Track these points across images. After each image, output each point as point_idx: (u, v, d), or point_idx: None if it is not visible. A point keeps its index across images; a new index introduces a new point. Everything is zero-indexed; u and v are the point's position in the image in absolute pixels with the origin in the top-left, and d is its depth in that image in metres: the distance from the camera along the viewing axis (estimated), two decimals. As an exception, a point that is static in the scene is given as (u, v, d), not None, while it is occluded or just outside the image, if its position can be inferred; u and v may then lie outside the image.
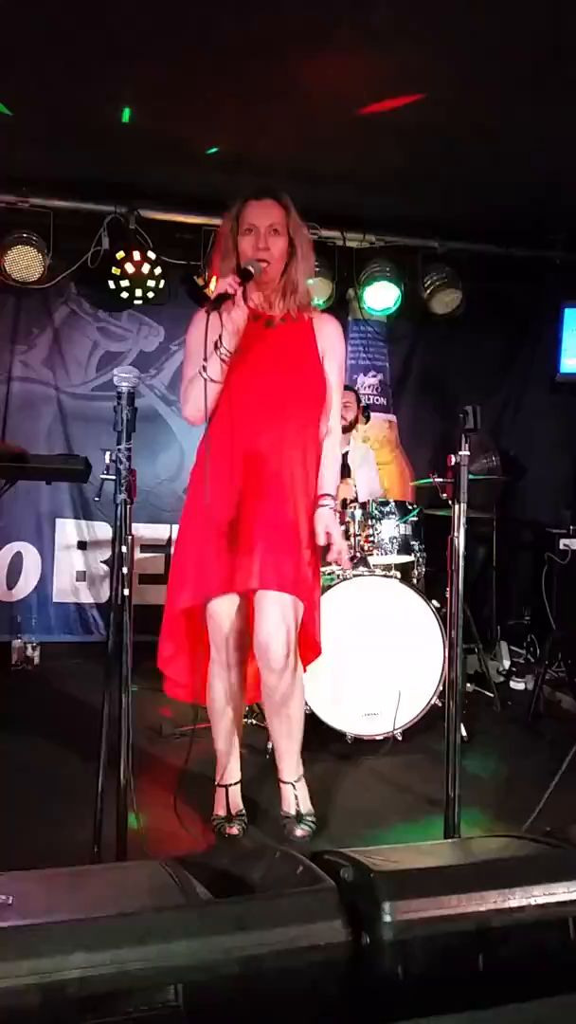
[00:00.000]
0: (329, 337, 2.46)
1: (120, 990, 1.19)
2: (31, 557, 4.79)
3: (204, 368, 2.19)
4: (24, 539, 4.77)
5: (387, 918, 1.30)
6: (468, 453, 1.99)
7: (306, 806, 2.48)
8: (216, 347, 2.20)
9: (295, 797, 2.46)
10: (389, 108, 3.52)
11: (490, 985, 1.35)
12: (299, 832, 2.40)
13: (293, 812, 2.45)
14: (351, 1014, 1.30)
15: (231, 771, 2.50)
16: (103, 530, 4.81)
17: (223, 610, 2.36)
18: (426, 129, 3.70)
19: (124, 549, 1.73)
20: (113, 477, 1.74)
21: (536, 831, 1.76)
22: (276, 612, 2.30)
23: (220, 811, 2.47)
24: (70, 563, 4.84)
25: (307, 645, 2.51)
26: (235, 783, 2.51)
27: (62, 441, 4.77)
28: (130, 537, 1.75)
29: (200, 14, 2.91)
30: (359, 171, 4.18)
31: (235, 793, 2.49)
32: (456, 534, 2.01)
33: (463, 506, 1.99)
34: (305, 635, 2.45)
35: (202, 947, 1.23)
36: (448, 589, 2.10)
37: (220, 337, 2.21)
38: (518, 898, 1.35)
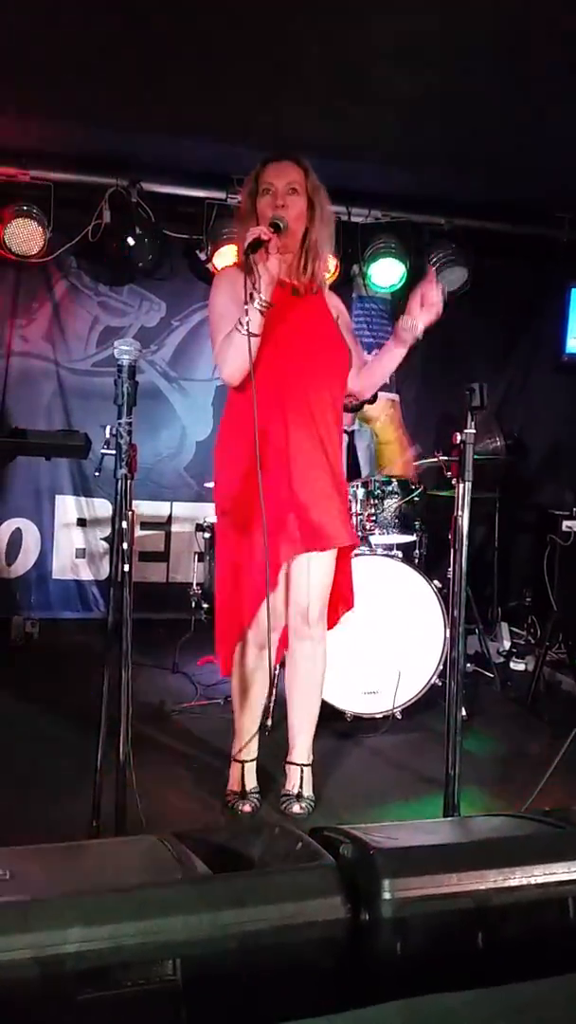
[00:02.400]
0: (340, 307, 2.50)
1: (117, 964, 1.19)
2: (31, 534, 4.77)
3: (245, 315, 2.08)
4: (23, 515, 4.75)
5: (386, 895, 1.30)
6: (474, 431, 1.96)
7: (308, 790, 2.48)
8: (252, 299, 2.12)
9: (300, 779, 2.46)
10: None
11: (489, 963, 1.35)
12: (296, 808, 2.41)
13: (295, 792, 2.45)
14: (350, 990, 1.30)
15: (250, 747, 2.48)
16: (103, 507, 4.79)
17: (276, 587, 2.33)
18: (433, 103, 3.64)
19: (124, 525, 1.71)
20: (113, 452, 1.71)
21: (537, 811, 1.75)
22: (318, 574, 2.35)
23: (235, 787, 2.45)
24: (70, 540, 4.83)
25: (340, 598, 2.52)
26: (252, 759, 2.49)
27: (62, 416, 4.74)
28: (130, 513, 1.73)
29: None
30: (365, 145, 4.12)
31: (251, 770, 2.47)
32: (460, 513, 1.99)
33: (468, 485, 1.97)
34: (339, 588, 2.48)
35: (200, 922, 1.22)
36: (451, 568, 2.08)
37: (255, 290, 2.13)
38: (518, 877, 1.34)
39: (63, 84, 3.60)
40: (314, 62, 3.38)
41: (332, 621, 2.58)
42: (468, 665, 4.13)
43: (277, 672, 3.13)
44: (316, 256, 2.35)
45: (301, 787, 2.46)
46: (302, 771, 2.48)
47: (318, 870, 1.31)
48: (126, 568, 1.70)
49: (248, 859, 1.48)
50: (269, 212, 2.25)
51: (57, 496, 4.81)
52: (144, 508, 4.83)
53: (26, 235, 4.31)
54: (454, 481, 2.04)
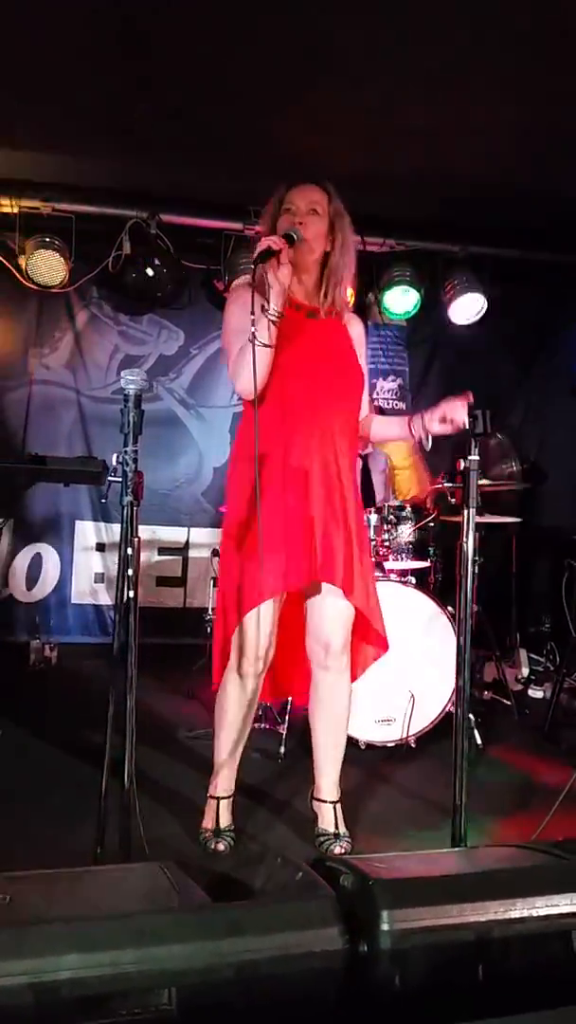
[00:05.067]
0: (360, 335, 2.47)
1: (113, 992, 1.19)
2: (51, 559, 4.82)
3: (254, 325, 2.07)
4: (44, 540, 4.81)
5: (385, 926, 1.29)
6: (478, 458, 1.97)
7: (343, 827, 2.41)
8: (263, 310, 2.11)
9: (335, 817, 2.40)
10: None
11: (490, 997, 1.33)
12: (338, 849, 2.33)
13: (332, 831, 2.38)
14: (348, 1022, 1.29)
15: (227, 783, 2.42)
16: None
17: (263, 615, 2.25)
18: (447, 132, 3.69)
19: (130, 551, 1.73)
20: (120, 479, 1.74)
21: (546, 842, 1.73)
22: (339, 606, 2.30)
23: (209, 824, 2.37)
24: (88, 565, 4.87)
25: (372, 639, 2.49)
26: (228, 796, 2.42)
27: (82, 443, 4.81)
28: (136, 539, 1.75)
29: (221, 18, 2.92)
30: (379, 174, 4.17)
31: (227, 807, 2.40)
32: (465, 539, 1.99)
33: (472, 511, 1.97)
34: (367, 629, 2.43)
35: (196, 951, 1.22)
36: (457, 595, 2.08)
37: (266, 301, 2.13)
38: (519, 909, 1.33)
39: (85, 119, 3.69)
40: (331, 93, 3.44)
41: (360, 665, 2.53)
42: (485, 692, 4.09)
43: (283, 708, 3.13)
44: (337, 282, 2.32)
45: (337, 826, 2.39)
46: (335, 808, 2.42)
47: (316, 900, 1.31)
48: (131, 594, 1.72)
49: (248, 888, 1.48)
50: (285, 228, 2.23)
51: (77, 521, 4.86)
52: (162, 534, 4.88)
53: (48, 266, 4.40)
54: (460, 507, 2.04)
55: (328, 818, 2.40)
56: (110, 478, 1.75)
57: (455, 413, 2.28)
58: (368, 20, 2.91)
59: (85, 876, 1.48)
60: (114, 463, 1.75)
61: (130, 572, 1.72)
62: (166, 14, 2.90)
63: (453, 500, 1.96)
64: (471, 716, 3.45)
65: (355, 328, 2.44)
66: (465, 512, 1.96)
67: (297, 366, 2.24)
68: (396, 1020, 1.29)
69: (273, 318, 2.12)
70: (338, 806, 2.43)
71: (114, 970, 1.18)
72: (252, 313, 2.07)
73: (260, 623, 2.26)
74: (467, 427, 1.97)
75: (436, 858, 1.61)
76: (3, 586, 4.70)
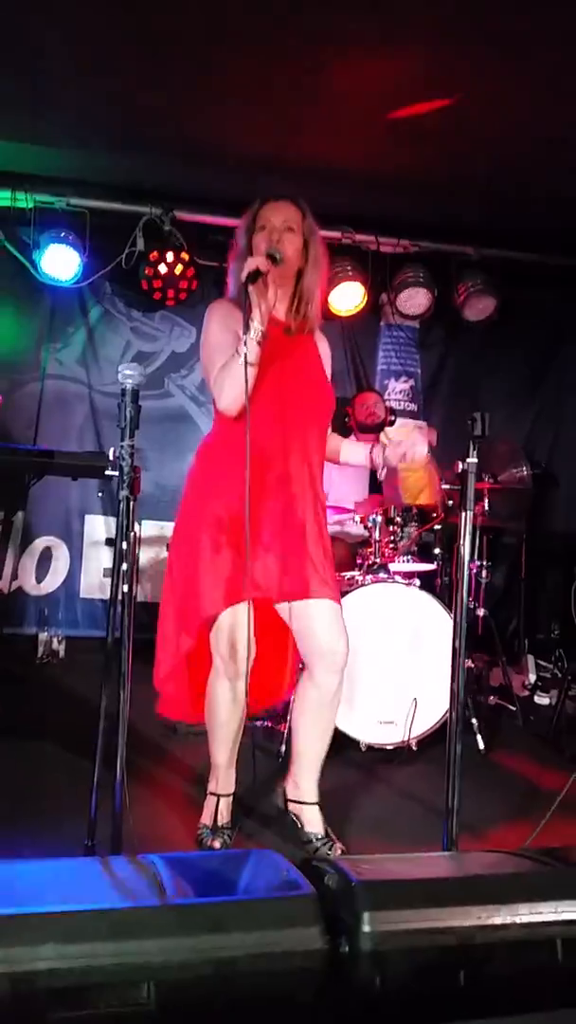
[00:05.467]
0: (327, 351, 2.51)
1: (90, 984, 1.19)
2: (60, 552, 4.84)
3: (243, 345, 2.12)
4: (54, 534, 4.83)
5: (366, 928, 1.29)
6: (476, 460, 1.96)
7: (326, 827, 2.40)
8: (248, 329, 2.14)
9: (321, 819, 2.38)
10: (420, 112, 3.50)
11: (472, 1002, 1.32)
12: (339, 851, 2.32)
13: (322, 832, 2.36)
14: (325, 1021, 1.28)
15: (227, 781, 2.42)
16: (130, 528, 4.84)
17: (237, 619, 2.28)
18: (462, 133, 3.67)
19: (125, 545, 1.73)
20: (116, 473, 1.74)
21: (536, 849, 1.72)
22: (333, 613, 2.31)
23: (207, 820, 2.38)
24: (98, 559, 4.88)
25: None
26: (228, 794, 2.42)
27: (93, 438, 4.83)
28: (132, 534, 1.76)
29: (234, 19, 2.93)
30: (394, 175, 4.16)
31: (226, 804, 2.40)
32: (462, 542, 1.98)
33: (470, 514, 1.96)
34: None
35: (174, 946, 1.22)
36: (453, 598, 2.06)
37: (250, 320, 2.14)
38: (502, 915, 1.32)
39: (99, 114, 3.71)
40: (344, 93, 3.43)
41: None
42: (491, 697, 4.07)
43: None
44: (309, 300, 2.36)
45: (325, 828, 2.38)
46: (319, 810, 2.40)
47: (297, 899, 1.31)
48: (125, 588, 1.72)
49: (234, 885, 1.47)
50: (264, 247, 2.27)
51: (87, 516, 4.88)
52: (170, 529, 4.87)
53: (62, 261, 4.42)
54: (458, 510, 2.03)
55: (317, 821, 2.38)
56: (106, 472, 1.75)
57: (415, 451, 2.34)
58: (380, 18, 2.90)
59: (72, 868, 1.49)
60: (111, 457, 1.75)
61: (125, 567, 1.72)
62: (180, 11, 2.91)
63: (451, 503, 1.95)
64: (474, 721, 3.44)
65: (323, 345, 2.50)
66: (462, 515, 1.95)
67: (273, 381, 2.28)
68: (376, 1022, 1.28)
69: (258, 338, 2.15)
70: (317, 807, 2.40)
71: (90, 962, 1.18)
72: (245, 332, 2.12)
73: (243, 626, 2.28)
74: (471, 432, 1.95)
75: (423, 861, 1.61)
76: (12, 579, 4.73)
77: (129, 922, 1.24)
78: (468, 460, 1.95)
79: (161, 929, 1.24)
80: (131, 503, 1.74)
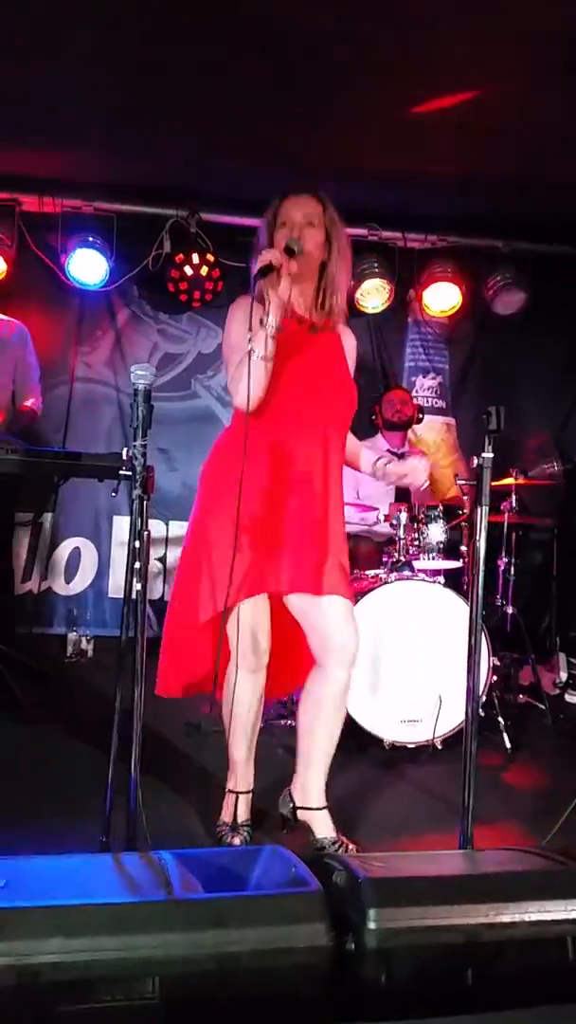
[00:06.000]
0: (353, 347, 2.49)
1: (95, 978, 1.21)
2: (89, 553, 4.90)
3: (256, 338, 2.11)
4: (82, 535, 4.89)
5: (372, 925, 1.28)
6: (491, 455, 1.94)
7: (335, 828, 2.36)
8: (261, 323, 2.13)
9: (330, 821, 2.33)
10: (446, 106, 3.47)
11: (479, 999, 1.31)
12: (353, 851, 2.28)
13: (333, 835, 2.31)
14: (332, 1019, 1.28)
15: (246, 778, 2.41)
16: (158, 528, 4.88)
17: (258, 611, 2.29)
18: (489, 126, 3.64)
19: (138, 544, 1.75)
20: (129, 474, 1.76)
21: (550, 848, 1.69)
22: (346, 610, 2.30)
23: (227, 817, 2.37)
24: (125, 560, 4.92)
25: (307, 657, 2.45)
26: (247, 791, 2.41)
27: (121, 440, 4.87)
28: (146, 533, 1.77)
29: (250, 16, 2.93)
30: (420, 170, 4.13)
31: (245, 801, 2.39)
32: (478, 539, 1.96)
33: (485, 509, 1.94)
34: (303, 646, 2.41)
35: (179, 941, 1.23)
36: (470, 594, 2.04)
37: (264, 314, 2.14)
38: (511, 913, 1.31)
39: (125, 119, 3.74)
40: (368, 90, 3.42)
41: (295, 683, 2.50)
42: (520, 696, 4.02)
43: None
44: (334, 291, 2.35)
45: (337, 830, 2.33)
46: (327, 813, 2.35)
47: (302, 896, 1.31)
48: (138, 587, 1.73)
49: (242, 882, 1.48)
50: (283, 244, 2.26)
51: (115, 516, 4.93)
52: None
53: (90, 265, 4.48)
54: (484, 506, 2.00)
55: (327, 824, 2.32)
56: (120, 472, 1.77)
57: (415, 478, 2.53)
58: (398, 16, 2.89)
59: (83, 863, 1.50)
60: (124, 457, 1.77)
61: (137, 565, 1.73)
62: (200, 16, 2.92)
63: (466, 498, 1.93)
64: (500, 720, 3.40)
65: (348, 341, 2.48)
66: (478, 511, 1.93)
67: (298, 379, 2.27)
68: (382, 1020, 1.27)
69: (271, 332, 2.14)
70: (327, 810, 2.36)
71: (96, 956, 1.19)
72: (250, 329, 2.11)
73: (261, 616, 2.30)
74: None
75: (434, 859, 1.59)
76: (42, 579, 4.80)
77: (134, 917, 1.25)
78: (483, 455, 1.93)
79: (166, 924, 1.25)
80: (144, 502, 1.75)
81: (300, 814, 2.36)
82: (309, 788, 2.35)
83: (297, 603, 2.32)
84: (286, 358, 2.22)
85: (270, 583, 2.28)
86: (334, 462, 2.38)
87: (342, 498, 2.42)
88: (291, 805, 2.38)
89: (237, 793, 2.38)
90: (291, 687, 2.64)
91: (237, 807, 2.36)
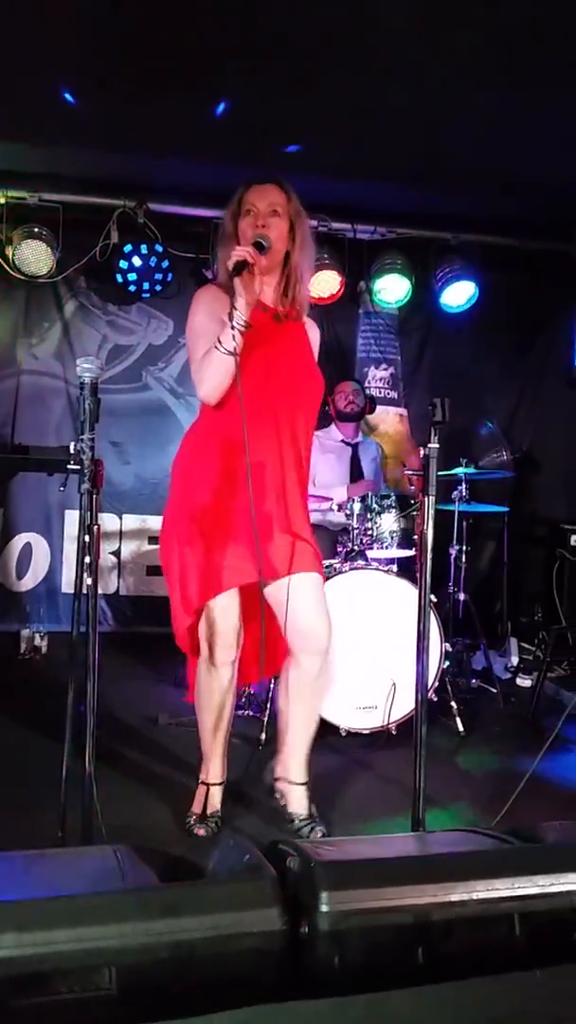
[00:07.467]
0: (317, 339, 2.51)
1: (52, 971, 1.21)
2: (40, 548, 4.85)
3: (232, 328, 2.13)
4: (34, 530, 4.83)
5: (324, 908, 1.30)
6: (437, 446, 1.97)
7: (314, 808, 2.43)
8: (230, 318, 2.14)
9: (307, 799, 2.41)
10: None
11: (429, 979, 1.34)
12: (318, 834, 2.35)
13: (306, 814, 2.39)
14: (285, 999, 1.30)
15: (217, 770, 2.44)
16: (111, 521, 4.85)
17: (225, 606, 2.31)
18: (437, 119, 3.67)
19: (88, 539, 1.74)
20: (77, 468, 1.75)
21: (500, 828, 1.74)
22: (314, 594, 2.34)
23: (196, 808, 2.41)
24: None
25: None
26: (219, 783, 2.44)
27: (71, 433, 4.80)
28: (96, 527, 1.76)
29: (195, 6, 2.91)
30: (369, 163, 4.15)
31: (216, 793, 2.43)
32: (425, 527, 1.99)
33: (431, 499, 1.97)
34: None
35: (133, 931, 1.23)
36: (418, 581, 2.08)
37: (233, 309, 2.15)
38: (459, 892, 1.34)
39: (70, 108, 3.68)
40: (319, 83, 3.42)
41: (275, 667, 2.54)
42: (472, 681, 4.10)
43: (271, 687, 3.14)
44: (297, 280, 2.37)
45: (310, 809, 2.41)
46: (306, 790, 2.43)
47: (256, 881, 1.32)
48: (89, 581, 1.73)
49: (200, 871, 1.49)
50: (250, 232, 2.27)
51: (66, 511, 4.87)
52: (152, 523, 4.88)
53: (35, 256, 4.41)
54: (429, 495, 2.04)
55: (302, 801, 2.42)
56: (68, 466, 1.75)
57: None
58: (337, 15, 2.89)
59: (36, 858, 1.50)
60: (72, 450, 1.76)
61: (88, 560, 1.73)
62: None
63: (412, 488, 1.97)
64: (453, 704, 3.46)
65: (313, 332, 2.50)
66: (425, 500, 1.96)
67: (262, 367, 2.28)
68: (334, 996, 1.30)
69: (240, 327, 2.14)
70: (306, 787, 2.44)
71: (50, 948, 1.19)
72: (231, 320, 2.12)
73: (232, 612, 2.31)
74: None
75: (386, 842, 1.62)
76: (-7, 575, 4.73)
77: (87, 908, 1.25)
78: (430, 445, 1.96)
79: (120, 915, 1.25)
80: (93, 497, 1.74)
81: (278, 784, 2.45)
82: (289, 762, 2.44)
83: (268, 591, 2.34)
84: (251, 347, 2.22)
85: (236, 578, 2.29)
86: (303, 448, 2.40)
87: (307, 481, 2.44)
88: (272, 775, 2.47)
89: (208, 785, 2.40)
90: (269, 671, 2.66)
91: (208, 798, 2.39)
